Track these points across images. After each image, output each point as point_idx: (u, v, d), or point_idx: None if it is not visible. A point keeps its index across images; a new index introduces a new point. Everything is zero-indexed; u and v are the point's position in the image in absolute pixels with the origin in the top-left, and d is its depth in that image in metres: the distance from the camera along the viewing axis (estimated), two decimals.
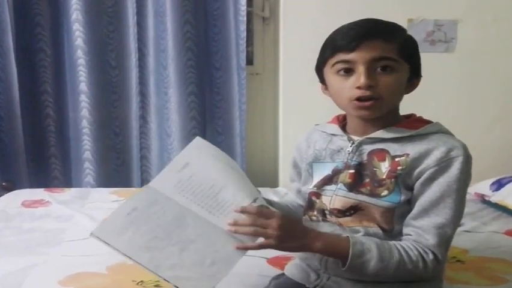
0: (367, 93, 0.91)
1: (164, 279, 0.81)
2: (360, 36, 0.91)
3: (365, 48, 0.90)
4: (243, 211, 0.88)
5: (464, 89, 2.15)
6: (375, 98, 0.91)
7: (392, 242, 0.91)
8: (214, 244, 0.86)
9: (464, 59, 2.12)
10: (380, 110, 0.94)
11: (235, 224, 0.88)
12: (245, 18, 2.06)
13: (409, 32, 0.96)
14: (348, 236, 0.90)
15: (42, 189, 1.95)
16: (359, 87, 0.90)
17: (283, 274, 1.07)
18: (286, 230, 0.87)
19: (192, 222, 0.88)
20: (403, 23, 0.90)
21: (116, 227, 0.84)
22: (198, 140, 0.99)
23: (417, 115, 1.01)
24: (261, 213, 0.89)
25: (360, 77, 0.90)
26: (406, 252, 0.89)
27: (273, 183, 2.20)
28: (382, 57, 0.91)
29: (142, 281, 1.13)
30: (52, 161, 2.20)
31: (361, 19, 0.95)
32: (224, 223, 0.88)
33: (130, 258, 0.82)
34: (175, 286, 0.81)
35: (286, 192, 1.92)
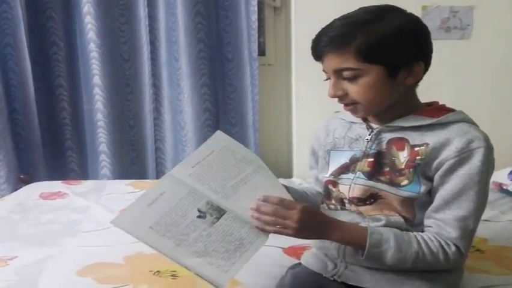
0: (341, 100, 0.93)
1: (186, 268, 0.81)
2: (318, 49, 0.91)
3: (326, 59, 0.91)
4: (265, 200, 0.89)
5: (480, 76, 2.11)
6: (351, 103, 0.92)
7: (413, 233, 0.90)
8: (238, 231, 0.87)
9: (480, 46, 2.08)
10: (365, 111, 0.95)
11: (257, 209, 0.88)
12: (256, 8, 2.04)
13: (424, 19, 0.92)
14: (366, 226, 0.90)
15: (59, 182, 1.97)
16: None
17: (299, 263, 1.07)
18: (305, 222, 0.87)
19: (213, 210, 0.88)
20: (417, 10, 0.88)
21: (137, 215, 0.85)
22: (220, 134, 1.01)
23: (440, 103, 0.98)
24: (283, 203, 0.89)
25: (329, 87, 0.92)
26: (426, 243, 0.88)
27: (287, 173, 2.19)
28: (339, 69, 0.89)
29: (158, 271, 1.14)
30: (69, 154, 2.22)
31: (327, 24, 0.91)
32: (244, 210, 0.89)
33: (152, 246, 0.82)
34: (196, 274, 0.81)
35: (300, 182, 1.92)
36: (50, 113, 2.17)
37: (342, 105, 0.96)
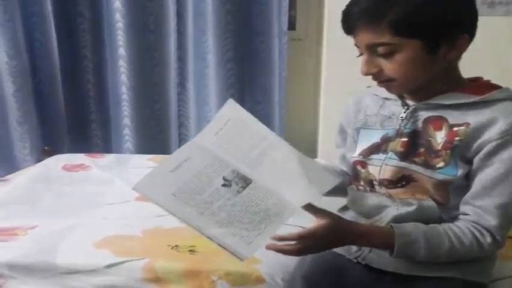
0: (375, 78, 0.86)
1: (208, 238, 0.77)
2: (349, 22, 0.83)
3: (358, 33, 0.83)
4: (281, 239, 0.83)
5: None
6: (386, 80, 0.85)
7: (443, 228, 0.84)
8: (264, 202, 0.81)
9: None
10: (400, 89, 0.88)
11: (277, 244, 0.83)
12: None
13: None
14: (392, 226, 0.85)
15: (82, 154, 1.97)
16: None
17: None
18: (328, 243, 0.85)
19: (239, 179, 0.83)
20: None
21: (160, 181, 0.80)
22: (232, 102, 0.91)
23: (484, 78, 0.90)
24: (303, 236, 0.82)
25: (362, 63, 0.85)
26: (458, 238, 0.83)
27: (312, 153, 2.13)
28: (373, 44, 0.81)
29: (176, 245, 1.12)
30: (93, 127, 2.22)
31: None
32: (271, 181, 0.84)
33: (173, 214, 0.78)
34: (219, 245, 0.77)
35: (324, 163, 1.86)
36: (75, 85, 2.15)
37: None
